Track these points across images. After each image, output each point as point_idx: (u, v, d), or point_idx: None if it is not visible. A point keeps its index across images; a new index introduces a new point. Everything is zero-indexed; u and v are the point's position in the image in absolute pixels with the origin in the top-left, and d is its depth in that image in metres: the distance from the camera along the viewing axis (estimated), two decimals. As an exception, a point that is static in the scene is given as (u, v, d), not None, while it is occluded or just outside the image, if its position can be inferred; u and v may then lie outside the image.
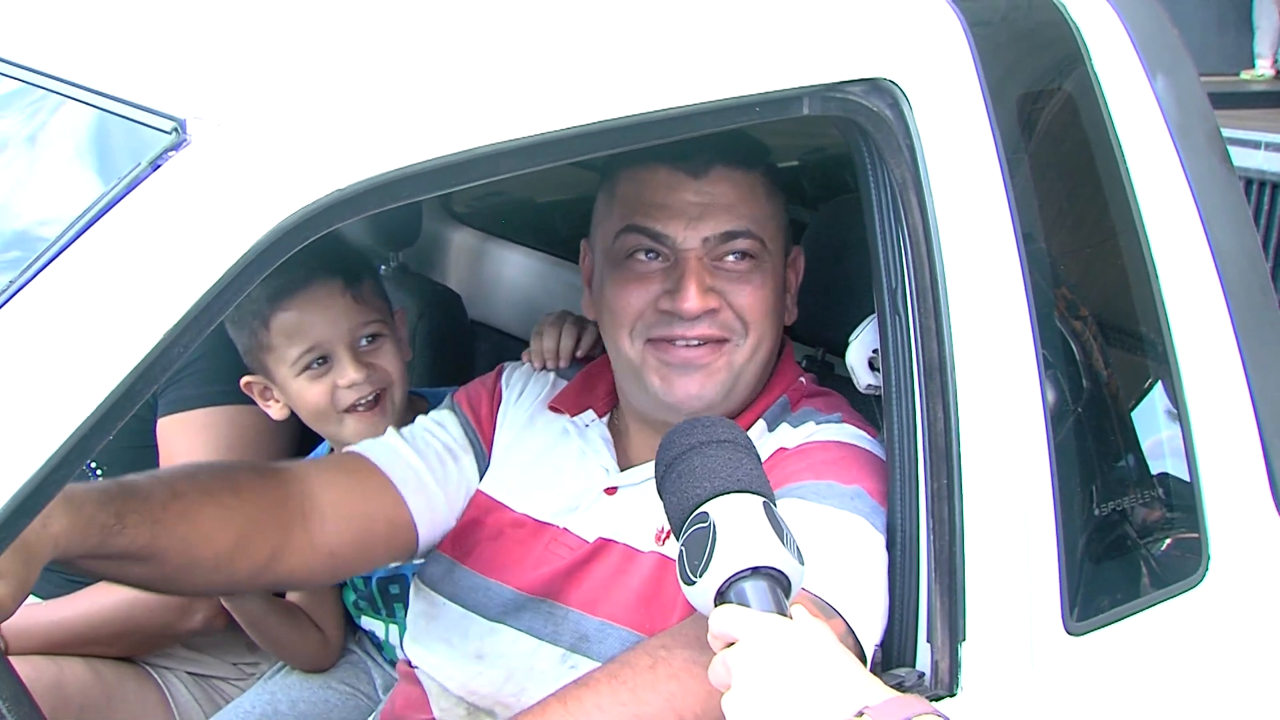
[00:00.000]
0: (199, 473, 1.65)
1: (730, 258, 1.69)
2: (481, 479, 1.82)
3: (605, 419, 1.82)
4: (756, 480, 1.30)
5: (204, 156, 1.17)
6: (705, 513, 1.27)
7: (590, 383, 1.86)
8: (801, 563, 1.26)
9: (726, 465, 1.30)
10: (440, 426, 1.84)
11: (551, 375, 1.91)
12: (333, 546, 1.67)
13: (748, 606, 1.22)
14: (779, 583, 1.24)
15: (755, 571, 1.23)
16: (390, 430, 1.83)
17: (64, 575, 2.26)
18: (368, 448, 1.79)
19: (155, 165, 1.16)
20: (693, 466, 1.31)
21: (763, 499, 1.28)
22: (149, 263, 1.13)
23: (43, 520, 1.36)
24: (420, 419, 1.87)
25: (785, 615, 1.22)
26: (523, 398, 1.88)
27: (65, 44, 1.47)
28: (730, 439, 1.34)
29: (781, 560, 1.24)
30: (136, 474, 1.54)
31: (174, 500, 1.52)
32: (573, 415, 1.82)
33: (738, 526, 1.25)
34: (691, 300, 1.64)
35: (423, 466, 1.77)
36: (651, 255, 1.69)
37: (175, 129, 1.17)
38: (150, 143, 1.17)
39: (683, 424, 1.38)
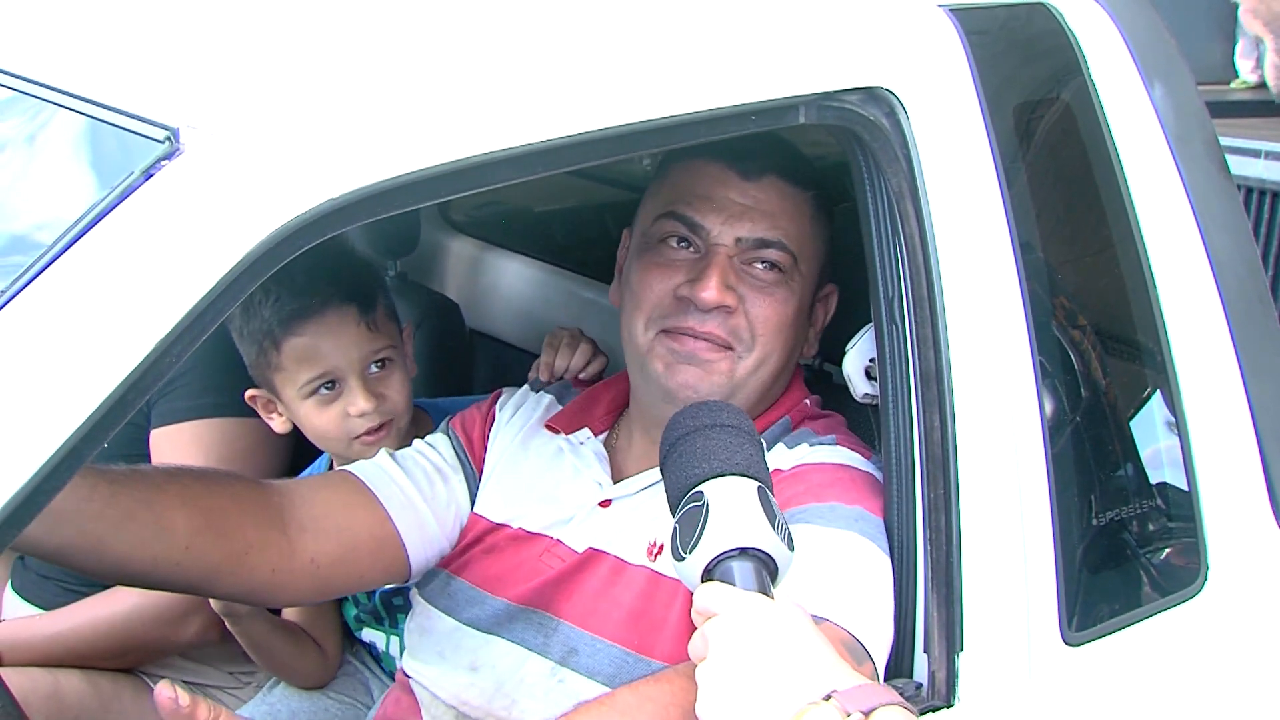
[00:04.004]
0: (164, 464, 1.66)
1: (759, 265, 1.69)
2: (474, 501, 1.82)
3: (601, 437, 1.82)
4: (755, 466, 1.32)
5: (197, 165, 1.16)
6: (701, 492, 1.29)
7: (589, 403, 1.87)
8: (791, 549, 1.28)
9: (727, 448, 1.33)
10: (432, 448, 1.85)
11: (548, 398, 1.91)
12: (313, 554, 1.65)
13: (733, 585, 1.24)
14: (765, 565, 1.26)
15: (743, 552, 1.26)
16: (382, 451, 1.83)
17: (60, 584, 2.27)
18: (356, 466, 1.79)
19: (148, 174, 1.15)
20: (694, 447, 1.33)
21: (758, 484, 1.30)
22: (142, 271, 1.13)
23: None
24: (416, 441, 1.87)
25: (768, 596, 1.24)
26: (515, 419, 1.88)
27: (58, 52, 1.47)
28: (734, 424, 1.36)
29: (769, 543, 1.26)
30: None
31: (135, 473, 1.54)
32: (567, 434, 1.82)
33: (730, 507, 1.28)
34: (711, 290, 1.64)
35: (410, 485, 1.77)
36: (683, 244, 1.70)
37: (168, 138, 1.17)
38: (143, 151, 1.17)
39: (690, 407, 1.40)
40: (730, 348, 1.68)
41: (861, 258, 1.56)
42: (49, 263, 1.13)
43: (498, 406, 1.90)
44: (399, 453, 1.83)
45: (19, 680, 2.08)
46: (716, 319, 1.67)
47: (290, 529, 1.64)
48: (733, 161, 1.70)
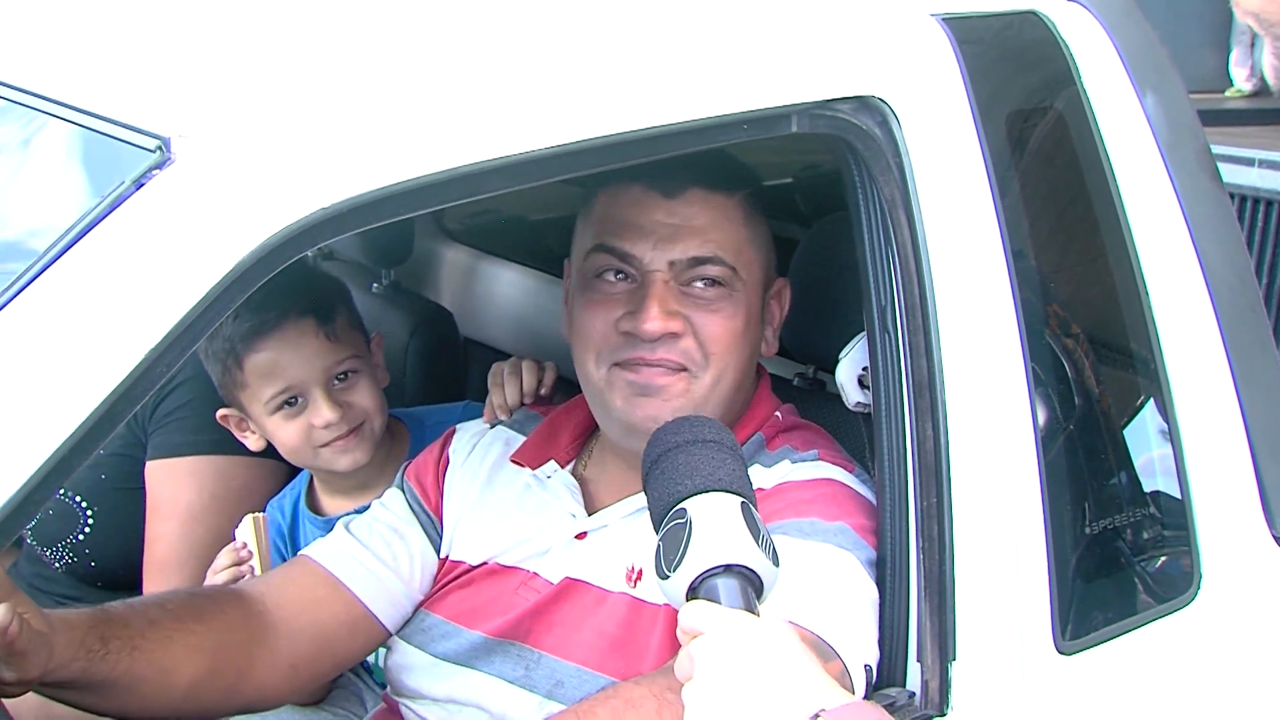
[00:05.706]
0: (169, 601, 1.65)
1: (699, 284, 1.65)
2: (438, 547, 1.81)
3: (569, 467, 1.79)
4: (738, 481, 1.30)
5: (188, 175, 1.16)
6: (684, 509, 1.27)
7: (552, 432, 1.83)
8: (776, 565, 1.26)
9: (709, 464, 1.30)
10: (384, 508, 1.84)
11: (507, 432, 1.88)
12: (292, 660, 1.68)
13: (718, 603, 1.23)
14: (751, 582, 1.24)
15: (728, 569, 1.23)
16: (339, 527, 1.83)
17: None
18: (315, 552, 1.79)
19: (139, 183, 1.15)
20: (676, 464, 1.31)
21: (741, 499, 1.28)
22: (133, 281, 1.13)
23: (46, 630, 1.39)
24: (373, 504, 1.87)
25: (754, 614, 1.22)
26: (472, 458, 1.85)
27: (50, 62, 1.47)
28: (716, 439, 1.34)
29: (754, 560, 1.24)
30: (114, 603, 1.57)
31: (151, 628, 1.54)
32: (534, 469, 1.79)
33: (713, 524, 1.26)
34: (652, 321, 1.61)
35: (370, 558, 1.76)
36: (619, 276, 1.66)
37: (160, 147, 1.17)
38: (134, 161, 1.17)
39: (671, 423, 1.38)
40: (685, 369, 1.64)
41: (855, 266, 1.56)
42: (40, 271, 1.13)
43: (450, 450, 1.87)
44: (354, 524, 1.82)
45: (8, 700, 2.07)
46: (665, 345, 1.63)
47: (269, 639, 1.66)
48: (654, 182, 1.65)
